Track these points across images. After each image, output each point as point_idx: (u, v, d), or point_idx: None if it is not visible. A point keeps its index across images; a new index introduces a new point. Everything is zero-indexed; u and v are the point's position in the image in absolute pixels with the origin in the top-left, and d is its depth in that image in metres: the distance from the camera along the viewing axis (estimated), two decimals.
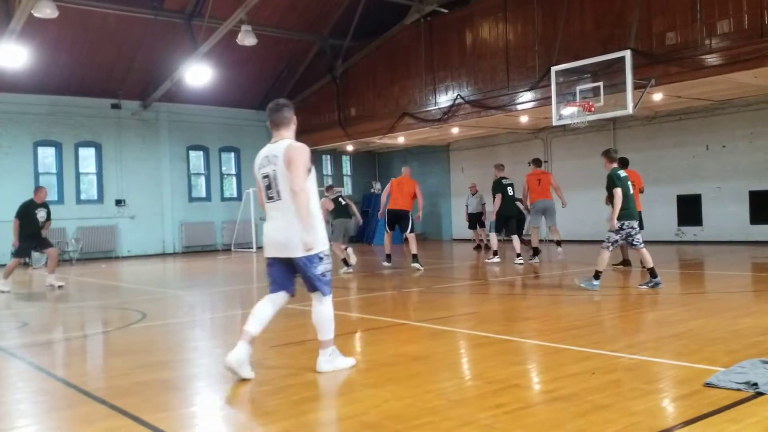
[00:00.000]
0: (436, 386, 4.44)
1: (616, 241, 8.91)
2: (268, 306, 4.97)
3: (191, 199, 22.40)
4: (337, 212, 13.40)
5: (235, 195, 23.44)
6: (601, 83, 13.31)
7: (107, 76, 19.82)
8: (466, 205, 19.27)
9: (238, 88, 22.00)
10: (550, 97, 14.25)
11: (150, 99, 20.71)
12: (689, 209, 17.75)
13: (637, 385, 4.22)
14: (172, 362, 5.67)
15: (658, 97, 14.61)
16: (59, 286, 11.86)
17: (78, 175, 20.37)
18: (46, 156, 20.05)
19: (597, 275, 8.85)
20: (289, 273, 4.97)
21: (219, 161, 23.29)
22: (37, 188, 12.60)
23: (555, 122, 14.48)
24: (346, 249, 13.21)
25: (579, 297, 8.53)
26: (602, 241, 9.00)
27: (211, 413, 4.22)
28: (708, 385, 4.09)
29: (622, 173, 8.98)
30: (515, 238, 13.58)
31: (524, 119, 17.79)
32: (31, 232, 11.88)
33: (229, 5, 16.81)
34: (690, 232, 17.80)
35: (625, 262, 11.88)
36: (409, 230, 12.97)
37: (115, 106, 20.79)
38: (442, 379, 4.70)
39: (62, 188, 19.99)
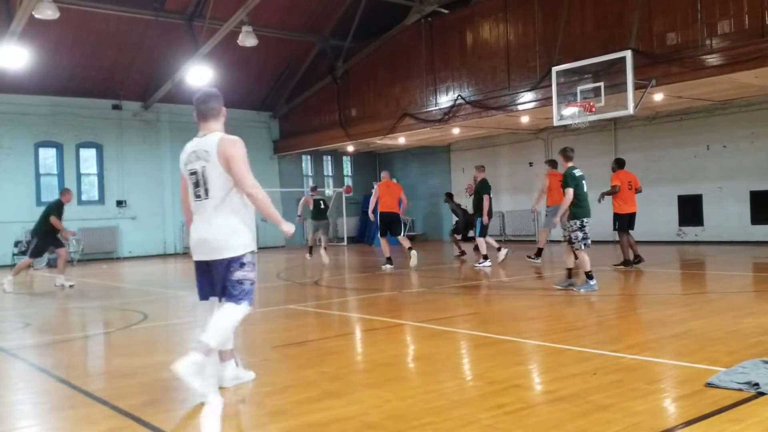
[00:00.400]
0: (437, 386, 4.44)
1: (584, 238, 8.90)
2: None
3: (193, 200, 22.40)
4: (315, 213, 15.03)
5: None
6: (602, 83, 13.30)
7: (108, 77, 19.85)
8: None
9: (239, 88, 21.99)
10: (551, 98, 14.25)
11: (151, 100, 20.73)
12: (690, 209, 17.74)
13: (639, 386, 4.22)
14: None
15: (659, 97, 14.61)
16: (70, 286, 11.92)
17: (79, 175, 20.39)
18: (47, 157, 20.07)
19: (589, 276, 8.86)
20: (209, 277, 4.52)
21: None
22: (66, 190, 12.69)
23: (556, 122, 14.47)
24: (325, 248, 14.99)
25: (580, 298, 8.53)
26: (573, 243, 9.00)
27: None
28: (709, 385, 4.09)
29: (578, 172, 9.04)
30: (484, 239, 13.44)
31: (525, 120, 17.78)
32: (56, 232, 12.04)
33: (229, 6, 16.82)
34: (691, 233, 17.80)
35: (626, 262, 11.88)
36: (401, 234, 13.40)
37: (116, 107, 20.81)
38: (443, 379, 4.70)
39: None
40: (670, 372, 4.65)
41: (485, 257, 13.19)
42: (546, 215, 13.73)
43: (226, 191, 4.34)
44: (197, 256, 4.50)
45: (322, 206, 15.25)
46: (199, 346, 4.14)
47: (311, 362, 5.33)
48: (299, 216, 16.16)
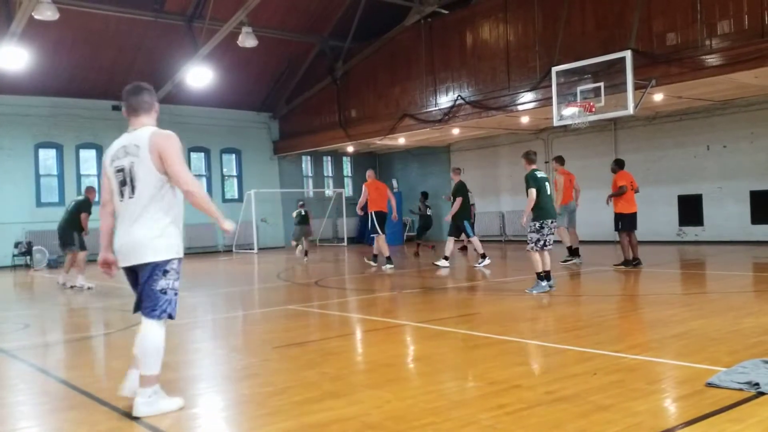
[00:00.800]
0: (437, 387, 4.44)
1: (539, 240, 8.88)
2: None
3: None
4: (299, 220, 18.12)
5: (236, 196, 23.46)
6: (601, 84, 13.31)
7: (108, 77, 19.83)
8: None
9: (238, 89, 22.02)
10: (551, 98, 14.26)
11: None
12: (690, 209, 17.74)
13: (639, 386, 4.22)
14: (174, 364, 5.66)
15: (658, 97, 14.61)
16: (88, 288, 11.78)
17: (79, 176, 20.39)
18: (47, 158, 20.08)
19: (539, 277, 8.90)
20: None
21: (220, 163, 23.31)
22: (91, 188, 12.82)
23: (556, 123, 14.48)
24: (306, 253, 17.67)
25: (581, 298, 8.54)
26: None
27: (214, 415, 4.22)
28: (710, 385, 4.09)
29: (540, 174, 9.07)
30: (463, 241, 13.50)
31: (525, 120, 17.79)
32: (78, 230, 12.14)
33: (229, 7, 16.83)
34: (691, 232, 17.80)
35: (626, 262, 11.88)
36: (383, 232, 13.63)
37: (116, 108, 20.77)
38: (443, 379, 4.70)
39: (63, 190, 20.00)
40: (670, 372, 4.65)
41: (483, 255, 13.24)
42: (560, 214, 13.57)
43: (156, 189, 4.00)
44: (123, 262, 4.13)
45: (303, 213, 18.12)
46: (144, 379, 3.97)
47: (312, 363, 5.33)
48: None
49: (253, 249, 21.60)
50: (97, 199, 12.46)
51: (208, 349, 6.48)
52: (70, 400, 4.49)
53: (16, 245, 18.36)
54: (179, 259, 4.09)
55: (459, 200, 13.20)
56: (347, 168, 26.92)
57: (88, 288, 11.69)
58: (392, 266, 13.19)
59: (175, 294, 4.08)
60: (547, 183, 9.12)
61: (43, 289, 13.16)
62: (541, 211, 8.92)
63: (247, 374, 5.11)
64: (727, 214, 17.04)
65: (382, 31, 19.84)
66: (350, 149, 24.08)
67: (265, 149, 24.20)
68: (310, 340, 6.47)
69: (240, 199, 22.86)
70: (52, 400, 4.58)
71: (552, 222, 9.03)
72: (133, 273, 4.13)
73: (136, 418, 3.92)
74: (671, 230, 18.10)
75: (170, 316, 4.09)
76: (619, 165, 12.44)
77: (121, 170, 4.07)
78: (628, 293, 9.37)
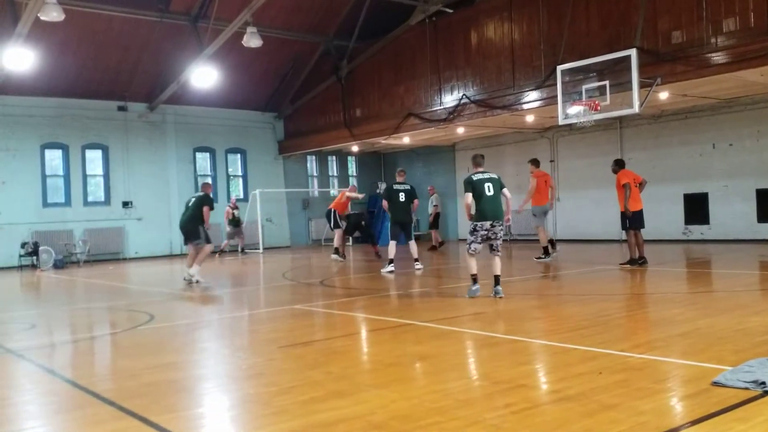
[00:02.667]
0: (443, 386, 4.44)
1: (473, 242, 8.66)
2: None
3: None
4: (232, 222, 19.59)
5: (241, 196, 23.48)
6: (607, 82, 13.26)
7: (113, 78, 19.89)
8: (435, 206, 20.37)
9: (243, 89, 22.05)
10: (556, 97, 14.22)
11: (156, 101, 20.78)
12: (696, 208, 17.69)
13: (645, 385, 4.21)
14: (180, 363, 5.68)
15: (664, 95, 14.57)
16: (197, 281, 11.83)
17: (85, 177, 20.46)
18: (54, 158, 20.14)
19: (474, 280, 8.67)
20: None
21: (225, 162, 23.35)
22: (207, 184, 13.10)
23: (561, 121, 14.45)
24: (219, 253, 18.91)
25: (586, 297, 8.53)
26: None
27: (219, 414, 4.23)
28: (715, 384, 4.08)
29: (476, 177, 8.80)
30: (412, 243, 13.10)
31: (530, 119, 17.76)
32: (201, 224, 12.16)
33: (234, 7, 16.85)
34: (697, 231, 17.74)
35: (632, 261, 11.85)
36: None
37: (121, 109, 20.86)
38: (449, 379, 4.70)
39: (69, 190, 20.07)
40: (676, 371, 4.64)
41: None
42: (535, 215, 14.11)
43: None
44: None
45: (236, 216, 18.81)
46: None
47: (317, 362, 5.34)
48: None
49: (258, 249, 21.62)
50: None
51: (213, 349, 6.49)
52: (77, 400, 4.50)
53: (23, 245, 18.42)
54: None
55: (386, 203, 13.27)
56: (352, 167, 26.92)
57: (197, 282, 11.77)
58: (393, 268, 12.90)
59: None
60: (488, 184, 8.75)
61: (50, 290, 13.21)
62: (477, 213, 8.71)
63: (252, 374, 5.12)
64: (733, 213, 16.98)
65: (387, 31, 19.83)
66: (355, 149, 24.07)
67: (270, 149, 24.22)
68: (315, 340, 6.48)
69: (245, 199, 22.88)
70: (59, 400, 4.59)
71: (485, 224, 8.57)
72: None
73: (144, 419, 3.93)
74: (677, 229, 18.04)
75: None
76: (619, 165, 12.42)
77: None
78: (633, 292, 9.35)
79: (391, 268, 12.63)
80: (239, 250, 20.81)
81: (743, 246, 15.61)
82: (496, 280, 8.57)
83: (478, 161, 9.26)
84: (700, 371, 4.46)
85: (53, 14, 14.52)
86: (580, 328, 6.37)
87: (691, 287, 9.67)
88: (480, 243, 8.65)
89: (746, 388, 3.94)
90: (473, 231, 8.70)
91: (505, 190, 8.88)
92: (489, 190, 8.74)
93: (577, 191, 20.09)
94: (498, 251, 8.72)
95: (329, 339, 6.52)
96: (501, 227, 8.70)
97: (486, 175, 8.91)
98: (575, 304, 8.06)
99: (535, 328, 6.71)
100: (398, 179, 13.46)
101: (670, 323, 6.45)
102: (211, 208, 12.28)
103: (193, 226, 12.07)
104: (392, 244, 13.04)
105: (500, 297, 8.39)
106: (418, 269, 12.69)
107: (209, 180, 22.88)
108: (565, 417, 3.65)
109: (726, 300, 7.89)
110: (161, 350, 6.26)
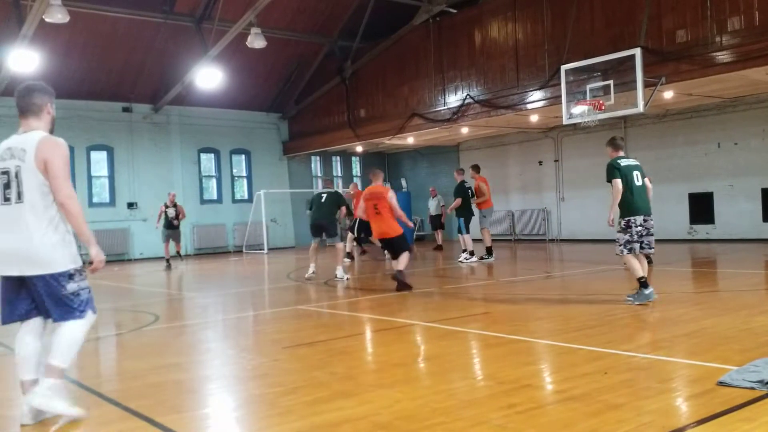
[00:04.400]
0: (447, 387, 4.44)
1: (628, 240, 8.08)
2: (30, 340, 3.98)
3: (203, 201, 22.51)
4: (167, 223, 16.67)
5: (246, 197, 23.53)
6: (611, 81, 13.26)
7: (118, 79, 19.95)
8: (429, 207, 20.68)
9: (248, 90, 22.07)
10: (560, 96, 14.22)
11: (161, 102, 20.83)
12: (701, 207, 17.64)
13: (650, 385, 4.21)
14: (185, 364, 5.70)
15: (669, 94, 14.54)
16: (343, 278, 11.69)
17: (90, 178, 20.51)
18: None
19: (643, 284, 7.79)
20: (27, 293, 3.94)
21: (230, 163, 23.38)
22: (330, 180, 13.27)
23: (565, 121, 14.44)
24: (168, 261, 16.58)
25: (590, 297, 8.51)
26: (615, 241, 8.70)
27: (224, 415, 4.24)
28: (721, 384, 4.07)
29: (623, 162, 8.06)
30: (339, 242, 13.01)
31: (534, 118, 17.74)
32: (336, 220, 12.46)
33: (238, 8, 16.88)
34: (702, 230, 17.69)
35: None
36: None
37: (126, 110, 20.91)
38: (453, 379, 4.70)
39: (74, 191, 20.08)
40: (681, 371, 4.63)
41: (471, 253, 13.95)
42: (485, 216, 14.66)
43: (47, 196, 3.87)
44: (6, 271, 3.90)
45: (173, 215, 16.69)
46: (50, 369, 3.84)
47: (321, 363, 5.34)
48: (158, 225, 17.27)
49: (263, 250, 21.65)
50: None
51: (218, 350, 6.50)
52: (82, 401, 4.51)
53: None
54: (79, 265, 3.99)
55: (458, 200, 14.23)
56: (356, 168, 26.93)
57: (343, 279, 11.70)
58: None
59: (90, 292, 4.03)
60: (637, 172, 7.87)
61: None
62: (628, 206, 7.75)
63: (257, 374, 5.13)
64: (738, 212, 16.93)
65: (391, 31, 19.84)
66: (359, 149, 24.09)
67: (275, 150, 24.25)
68: (320, 340, 6.49)
69: (250, 200, 22.92)
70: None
71: (644, 218, 7.73)
72: (15, 282, 3.94)
73: (149, 420, 3.94)
74: (682, 228, 18.00)
75: (93, 312, 4.03)
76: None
77: (5, 173, 3.88)
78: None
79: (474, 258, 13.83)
80: (177, 254, 17.45)
81: (748, 245, 15.56)
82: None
83: (618, 144, 8.15)
84: (706, 371, 4.45)
85: (58, 16, 14.57)
86: (585, 328, 6.36)
87: (696, 287, 9.65)
88: (636, 241, 7.65)
89: (752, 388, 3.93)
90: (626, 228, 7.69)
91: (646, 180, 7.97)
92: (638, 179, 7.81)
93: (581, 191, 20.06)
94: (650, 248, 7.76)
95: (334, 339, 6.52)
96: (653, 221, 7.81)
97: (632, 161, 7.97)
98: (580, 304, 8.04)
99: (540, 328, 6.70)
100: (462, 177, 14.58)
101: (676, 323, 6.44)
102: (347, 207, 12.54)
103: (329, 222, 12.00)
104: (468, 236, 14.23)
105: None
106: (467, 260, 13.62)
107: (214, 180, 22.95)
108: (570, 417, 3.64)
109: (731, 300, 7.87)
110: (166, 351, 6.28)
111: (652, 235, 7.75)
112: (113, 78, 19.80)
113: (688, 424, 3.49)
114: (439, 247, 19.19)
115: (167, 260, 16.63)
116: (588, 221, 19.75)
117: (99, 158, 20.81)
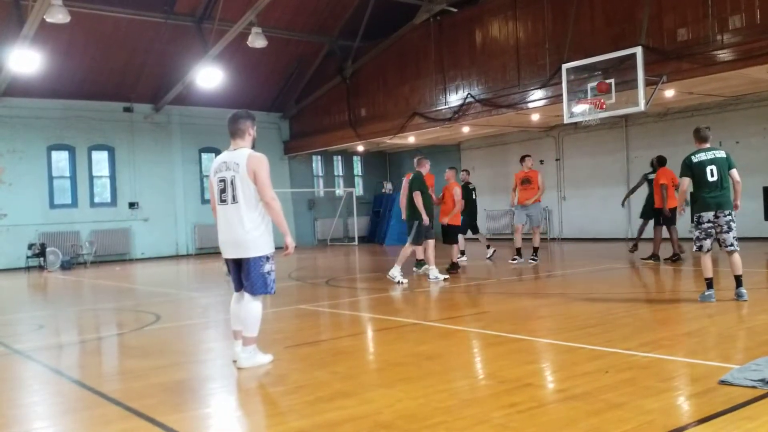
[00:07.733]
0: (449, 386, 4.45)
1: (699, 238, 7.73)
2: (235, 305, 5.37)
3: (204, 201, 22.47)
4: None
5: None
6: (612, 80, 13.24)
7: (119, 79, 19.95)
8: None
9: (248, 90, 22.07)
10: (561, 95, 14.20)
11: (162, 102, 20.84)
12: None
13: (651, 383, 4.20)
14: (187, 364, 5.70)
15: (670, 93, 14.52)
16: (444, 279, 10.65)
17: (91, 178, 20.52)
18: (60, 160, 20.20)
19: (708, 284, 7.69)
20: (240, 272, 5.26)
21: None
22: (423, 159, 11.49)
23: (566, 120, 14.42)
24: None
25: (591, 296, 8.51)
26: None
27: (226, 414, 4.25)
28: (722, 382, 4.07)
29: (697, 158, 7.87)
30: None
31: (535, 117, 17.73)
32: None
33: (239, 8, 16.88)
34: None
35: (654, 257, 11.97)
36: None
37: (127, 110, 20.92)
38: (455, 378, 4.70)
39: (76, 191, 20.14)
40: (683, 370, 4.63)
41: (462, 252, 13.94)
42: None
43: (254, 199, 5.11)
44: (229, 254, 5.25)
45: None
46: (247, 340, 5.16)
47: (323, 362, 5.35)
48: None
49: None
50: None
51: (220, 349, 6.50)
52: (85, 401, 4.52)
53: (30, 247, 18.48)
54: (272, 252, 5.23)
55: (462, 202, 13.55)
56: (357, 167, 26.93)
57: (399, 283, 10.44)
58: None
59: (274, 274, 5.26)
60: (712, 167, 7.56)
61: (57, 291, 13.26)
62: (697, 202, 7.57)
63: (258, 374, 5.13)
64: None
65: (392, 30, 19.83)
66: (360, 148, 24.08)
67: (276, 149, 24.24)
68: (322, 340, 6.49)
69: None
70: (67, 400, 4.62)
71: (715, 214, 7.55)
72: (234, 263, 5.25)
73: (151, 419, 3.95)
74: (683, 227, 17.96)
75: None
76: (660, 162, 12.53)
77: (222, 181, 5.17)
78: (640, 291, 9.33)
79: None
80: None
81: (750, 244, 15.52)
82: (738, 281, 7.50)
83: (703, 134, 7.81)
84: (707, 370, 4.45)
85: (59, 16, 14.56)
86: (587, 327, 6.36)
87: (698, 285, 9.63)
88: (706, 238, 7.52)
89: (753, 387, 3.93)
90: (697, 224, 7.61)
91: (733, 172, 7.63)
92: (712, 174, 7.52)
93: (583, 189, 20.05)
94: (731, 246, 7.54)
95: (335, 339, 6.53)
96: (729, 217, 7.52)
97: (710, 155, 7.63)
98: (581, 302, 8.04)
99: (541, 327, 6.70)
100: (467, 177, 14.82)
101: (677, 322, 6.44)
102: (423, 192, 10.55)
103: (408, 216, 10.75)
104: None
105: (744, 300, 7.32)
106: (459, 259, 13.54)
107: None
108: (571, 416, 3.64)
109: (733, 298, 7.86)
110: (168, 351, 6.29)
111: (727, 232, 7.51)
112: (114, 78, 19.80)
113: (690, 423, 3.49)
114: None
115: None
116: (589, 220, 19.74)
117: (100, 158, 20.82)
